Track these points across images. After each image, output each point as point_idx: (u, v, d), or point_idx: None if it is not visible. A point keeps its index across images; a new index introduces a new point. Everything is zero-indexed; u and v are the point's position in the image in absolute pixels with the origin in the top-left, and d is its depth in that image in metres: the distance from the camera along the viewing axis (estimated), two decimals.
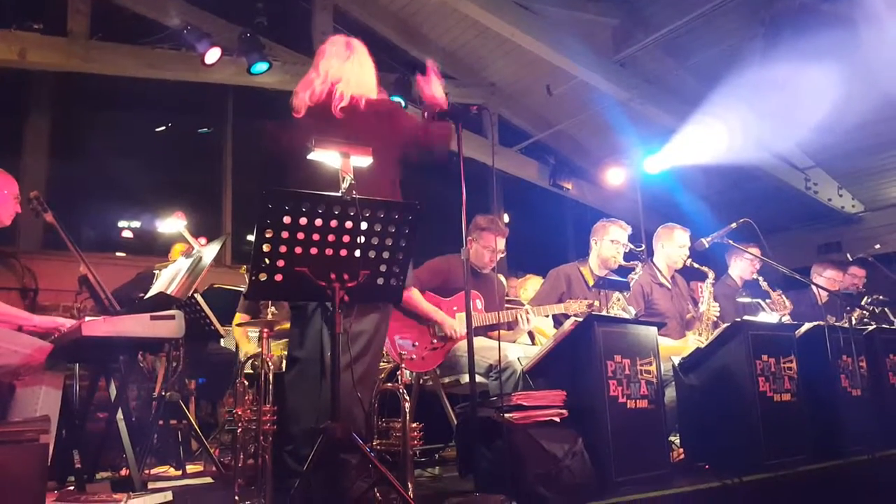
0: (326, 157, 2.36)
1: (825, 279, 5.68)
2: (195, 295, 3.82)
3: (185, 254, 3.61)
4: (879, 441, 3.96)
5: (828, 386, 3.94)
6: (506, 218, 8.67)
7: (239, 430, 2.73)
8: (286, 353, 3.10)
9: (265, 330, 2.90)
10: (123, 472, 3.40)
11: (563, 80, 7.16)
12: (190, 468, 4.00)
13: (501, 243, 4.12)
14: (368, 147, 2.41)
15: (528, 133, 8.62)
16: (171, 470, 3.99)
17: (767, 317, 4.54)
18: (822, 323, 4.12)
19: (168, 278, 3.43)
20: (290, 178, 2.72)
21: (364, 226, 2.24)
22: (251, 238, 2.20)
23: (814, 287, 5.46)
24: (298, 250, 2.19)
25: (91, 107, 6.69)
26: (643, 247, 4.41)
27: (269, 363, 2.70)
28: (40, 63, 5.85)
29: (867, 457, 3.70)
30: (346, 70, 2.83)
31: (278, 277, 2.20)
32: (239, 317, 4.65)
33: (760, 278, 5.08)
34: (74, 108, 6.64)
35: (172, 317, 3.00)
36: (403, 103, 6.85)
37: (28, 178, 6.17)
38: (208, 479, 3.71)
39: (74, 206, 6.41)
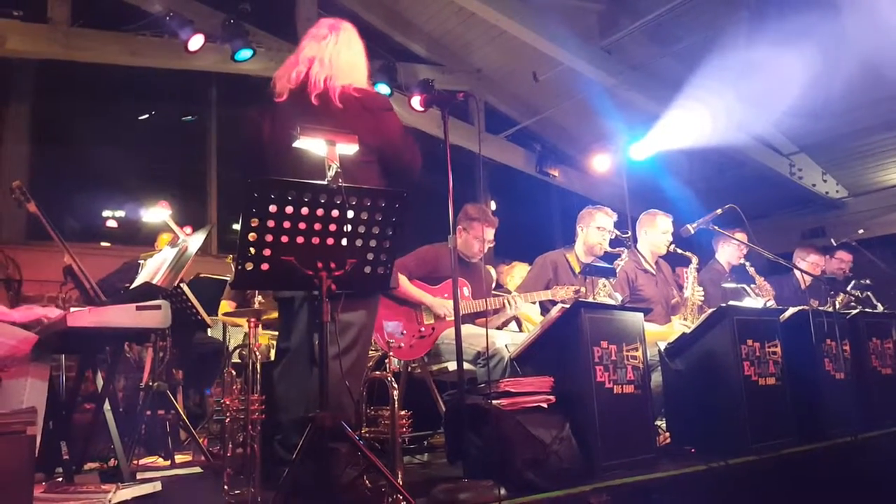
0: (312, 144, 2.35)
1: (808, 264, 5.73)
2: (181, 285, 3.81)
3: (171, 243, 3.59)
4: (862, 423, 4.01)
5: (812, 370, 3.98)
6: (493, 205, 8.68)
7: (227, 419, 2.72)
8: (275, 343, 3.10)
9: (252, 319, 2.89)
10: (112, 462, 3.39)
11: (550, 66, 7.14)
12: (179, 458, 3.99)
13: (491, 233, 4.13)
14: (354, 135, 2.40)
15: (514, 120, 8.61)
16: (160, 460, 3.98)
17: (752, 302, 4.58)
18: (806, 308, 4.16)
19: (153, 268, 3.41)
20: (273, 166, 2.71)
21: (350, 214, 2.24)
22: (237, 227, 2.18)
23: (797, 272, 5.51)
24: (285, 239, 2.18)
25: (73, 95, 6.61)
26: (629, 233, 4.43)
27: (257, 352, 2.69)
28: (21, 51, 5.77)
29: (850, 439, 3.75)
30: (322, 51, 2.78)
31: (265, 267, 2.19)
32: (225, 305, 4.63)
33: (747, 263, 5.12)
34: (56, 97, 6.55)
35: (158, 307, 2.98)
36: (388, 90, 6.84)
37: (10, 167, 6.10)
38: (197, 469, 3.71)
39: (58, 195, 6.35)
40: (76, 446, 3.23)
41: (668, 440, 3.70)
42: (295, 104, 2.72)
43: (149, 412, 4.03)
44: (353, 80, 2.79)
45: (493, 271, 5.74)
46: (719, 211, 4.52)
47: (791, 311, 4.12)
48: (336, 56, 2.78)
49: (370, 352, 4.18)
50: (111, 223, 6.89)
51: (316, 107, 2.68)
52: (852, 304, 4.90)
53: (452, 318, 3.81)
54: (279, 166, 2.63)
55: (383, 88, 6.91)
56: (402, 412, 2.64)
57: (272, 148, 2.73)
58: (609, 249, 4.34)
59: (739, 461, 3.19)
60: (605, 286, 3.97)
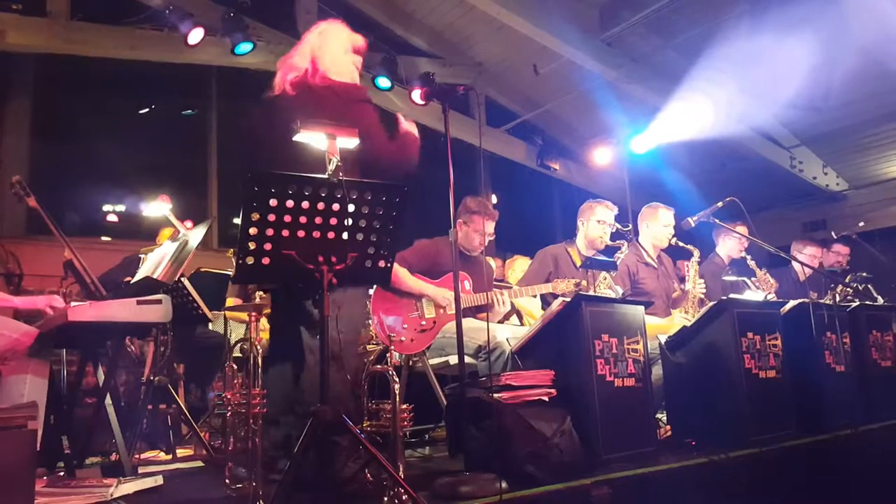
0: (312, 138, 2.34)
1: (805, 256, 5.72)
2: (182, 279, 3.80)
3: (172, 238, 3.59)
4: (862, 415, 4.02)
5: (812, 362, 3.98)
6: (493, 199, 8.67)
7: (228, 413, 2.72)
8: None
9: (253, 313, 2.89)
10: (113, 457, 3.40)
11: (550, 59, 7.13)
12: (180, 452, 4.00)
13: (491, 226, 4.12)
14: (354, 128, 2.39)
15: (515, 113, 8.59)
16: (162, 454, 3.99)
17: (753, 295, 4.58)
18: (806, 300, 4.16)
19: (154, 262, 3.41)
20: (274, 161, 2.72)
21: (351, 208, 2.24)
22: (237, 221, 2.18)
23: (796, 264, 5.50)
24: (285, 233, 2.18)
25: (73, 89, 6.60)
26: (630, 226, 4.43)
27: (258, 346, 2.69)
28: (20, 45, 5.76)
29: (850, 431, 3.76)
30: (305, 40, 2.86)
31: (265, 261, 2.19)
32: (231, 300, 4.63)
33: (748, 256, 5.12)
34: (56, 90, 6.55)
35: (159, 301, 2.99)
36: (389, 83, 6.83)
37: (10, 161, 6.10)
38: (199, 463, 3.72)
39: (58, 189, 6.35)
40: (77, 441, 3.24)
41: (669, 433, 3.70)
42: (288, 102, 2.76)
43: (150, 406, 4.04)
44: (339, 72, 2.83)
45: (493, 263, 5.74)
46: (720, 204, 4.51)
47: (791, 304, 4.12)
48: (318, 46, 2.84)
49: (371, 345, 4.19)
50: (112, 217, 6.89)
51: (303, 102, 2.72)
52: (849, 297, 4.90)
53: (453, 308, 3.83)
54: (280, 161, 2.64)
55: (384, 82, 6.90)
56: (404, 406, 2.63)
57: (271, 144, 2.74)
58: (610, 243, 4.34)
59: (740, 454, 3.20)
60: (605, 279, 3.97)
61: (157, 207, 4.01)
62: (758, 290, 4.72)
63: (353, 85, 2.89)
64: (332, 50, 2.87)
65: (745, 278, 4.82)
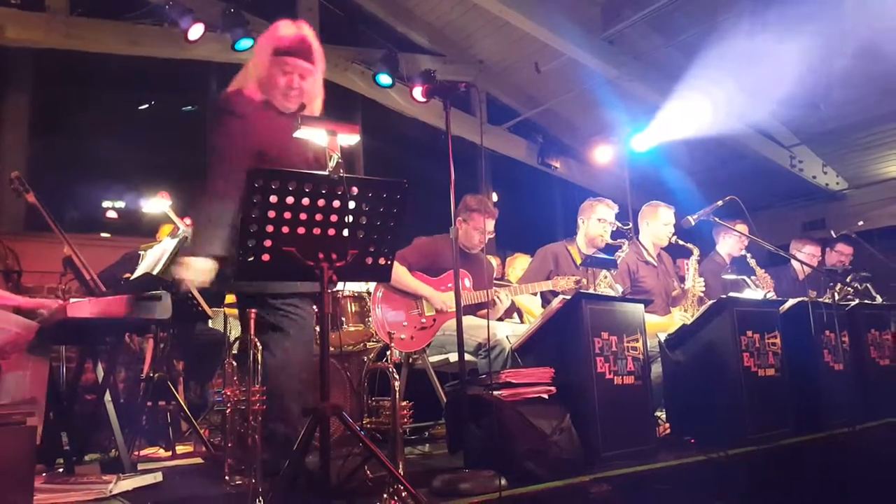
0: (312, 134, 2.34)
1: (804, 255, 5.72)
2: None
3: (171, 234, 3.59)
4: (861, 414, 4.03)
5: (811, 361, 3.99)
6: (494, 197, 8.66)
7: (228, 410, 2.72)
8: None
9: (253, 310, 2.89)
10: (113, 453, 3.39)
11: (552, 57, 7.12)
12: (180, 449, 4.00)
13: (490, 224, 4.12)
14: (356, 125, 2.40)
15: (516, 111, 8.58)
16: (161, 451, 3.99)
17: (752, 293, 4.58)
18: (805, 299, 4.16)
19: (154, 259, 3.41)
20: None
21: (352, 205, 2.23)
22: None
23: (795, 263, 5.50)
24: (285, 230, 2.17)
25: (72, 84, 6.58)
26: (630, 225, 4.43)
27: (258, 343, 2.69)
28: (19, 40, 5.73)
29: (849, 430, 3.77)
30: None
31: (265, 258, 2.19)
32: (230, 297, 4.62)
33: (748, 255, 5.12)
34: (55, 86, 6.53)
35: (159, 298, 2.98)
36: (390, 80, 6.82)
37: (8, 157, 6.08)
38: (198, 460, 3.72)
39: (57, 185, 6.33)
40: (77, 437, 3.24)
41: (668, 431, 3.71)
42: None
43: (150, 403, 4.04)
44: (249, 84, 2.91)
45: (493, 262, 5.74)
46: (720, 202, 4.52)
47: (791, 302, 4.12)
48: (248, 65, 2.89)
49: (372, 342, 4.19)
50: (111, 214, 6.87)
51: None
52: (849, 296, 4.90)
53: (451, 311, 3.83)
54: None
55: (385, 79, 6.88)
56: (404, 403, 2.64)
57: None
58: (610, 241, 4.34)
59: (738, 452, 3.20)
60: (606, 277, 3.97)
61: (156, 204, 4.02)
62: (757, 289, 4.72)
63: (225, 96, 2.89)
64: (255, 59, 2.89)
65: (744, 277, 4.82)
